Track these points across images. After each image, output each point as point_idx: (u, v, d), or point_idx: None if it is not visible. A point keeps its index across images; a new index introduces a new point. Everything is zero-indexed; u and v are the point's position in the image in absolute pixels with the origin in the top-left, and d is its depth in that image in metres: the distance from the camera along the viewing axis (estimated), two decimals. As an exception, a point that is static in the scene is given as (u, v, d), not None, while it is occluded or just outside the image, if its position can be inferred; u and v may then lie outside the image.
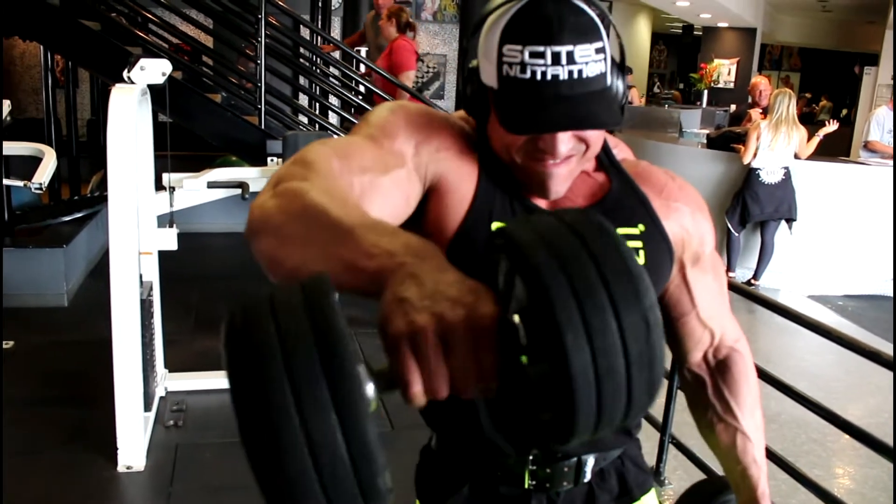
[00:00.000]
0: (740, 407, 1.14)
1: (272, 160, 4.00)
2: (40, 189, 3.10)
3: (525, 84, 0.86)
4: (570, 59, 0.85)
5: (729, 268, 5.91)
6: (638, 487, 1.13)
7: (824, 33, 13.61)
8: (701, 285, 1.11)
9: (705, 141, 6.59)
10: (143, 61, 2.79)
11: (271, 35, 5.15)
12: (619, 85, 0.93)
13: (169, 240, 3.18)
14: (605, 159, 1.06)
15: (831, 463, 3.28)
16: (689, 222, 1.07)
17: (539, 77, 0.86)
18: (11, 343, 3.83)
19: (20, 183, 3.30)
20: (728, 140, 5.94)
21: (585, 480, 1.07)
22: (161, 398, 3.29)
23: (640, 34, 14.58)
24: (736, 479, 1.14)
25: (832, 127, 5.94)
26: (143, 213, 3.07)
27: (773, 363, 4.44)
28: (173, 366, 3.52)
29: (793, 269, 5.89)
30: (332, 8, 11.73)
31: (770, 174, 5.56)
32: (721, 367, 1.16)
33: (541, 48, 0.85)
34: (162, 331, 3.44)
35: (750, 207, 5.63)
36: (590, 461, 1.06)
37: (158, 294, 3.33)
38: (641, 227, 1.02)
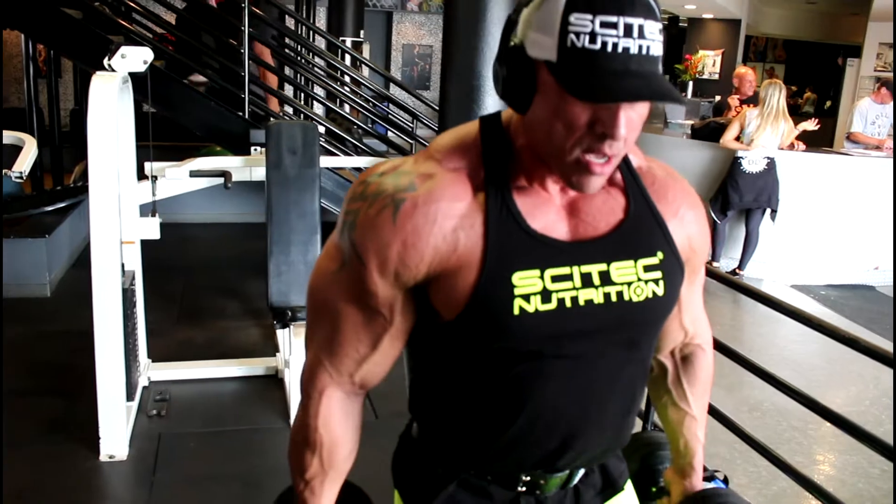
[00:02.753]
0: (694, 396, 1.23)
1: (255, 150, 3.98)
2: (21, 178, 3.07)
3: (595, 54, 0.82)
4: (641, 33, 0.82)
5: (713, 257, 5.95)
6: (620, 477, 1.15)
7: (809, 25, 13.66)
8: (690, 294, 1.15)
9: (690, 132, 6.62)
10: (123, 49, 2.77)
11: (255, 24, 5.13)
12: None
13: (151, 229, 3.16)
14: (626, 170, 1.03)
15: (812, 450, 3.31)
16: (694, 231, 1.07)
17: (610, 48, 0.82)
18: (-8, 333, 3.81)
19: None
20: (713, 131, 5.96)
21: (572, 485, 1.10)
22: (144, 388, 3.28)
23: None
24: (678, 448, 1.25)
25: (813, 125, 5.96)
26: (125, 202, 3.06)
27: (756, 351, 4.49)
28: (156, 356, 3.51)
29: (776, 259, 5.93)
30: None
31: (752, 163, 5.59)
32: (685, 361, 1.23)
33: (614, 18, 0.81)
34: (145, 320, 3.43)
35: (730, 196, 5.67)
36: (580, 472, 1.10)
37: (141, 283, 3.32)
38: (661, 254, 1.01)
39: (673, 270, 1.02)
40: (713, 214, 5.84)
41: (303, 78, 5.65)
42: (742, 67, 6.58)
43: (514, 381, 0.98)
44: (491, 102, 4.05)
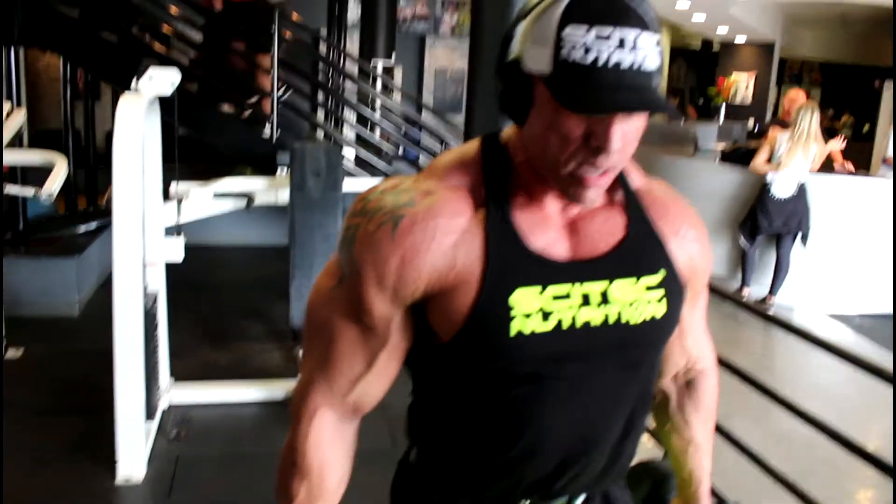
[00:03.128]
0: (698, 423, 1.21)
1: (281, 170, 4.01)
2: (50, 198, 3.11)
3: (588, 67, 0.82)
4: (635, 45, 0.83)
5: (744, 283, 5.85)
6: None
7: (845, 47, 13.48)
8: (693, 317, 1.13)
9: (720, 156, 6.54)
10: (151, 71, 2.81)
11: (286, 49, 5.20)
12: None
13: (176, 250, 3.19)
14: (624, 188, 1.02)
15: (842, 484, 3.21)
16: (696, 251, 1.05)
17: (602, 62, 0.82)
18: (21, 351, 3.86)
19: (29, 192, 3.33)
20: (742, 155, 5.89)
21: None
22: (165, 409, 3.29)
23: (659, 49, 14.54)
24: (683, 477, 1.23)
25: (840, 144, 5.86)
26: (150, 223, 3.09)
27: (786, 381, 4.40)
28: (180, 376, 3.52)
29: (810, 286, 5.81)
30: (349, 24, 11.83)
31: (782, 188, 5.50)
32: (688, 387, 1.21)
33: (608, 29, 0.82)
34: (169, 341, 3.45)
35: (759, 221, 5.58)
36: (580, 498, 1.06)
37: (165, 304, 3.34)
38: (662, 272, 1.00)
39: (674, 290, 1.00)
40: (742, 239, 5.75)
41: (333, 101, 5.71)
42: (793, 90, 6.43)
43: (512, 404, 0.96)
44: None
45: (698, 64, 16.33)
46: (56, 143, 5.75)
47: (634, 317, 0.96)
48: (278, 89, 4.63)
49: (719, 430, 2.55)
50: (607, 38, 0.82)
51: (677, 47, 15.66)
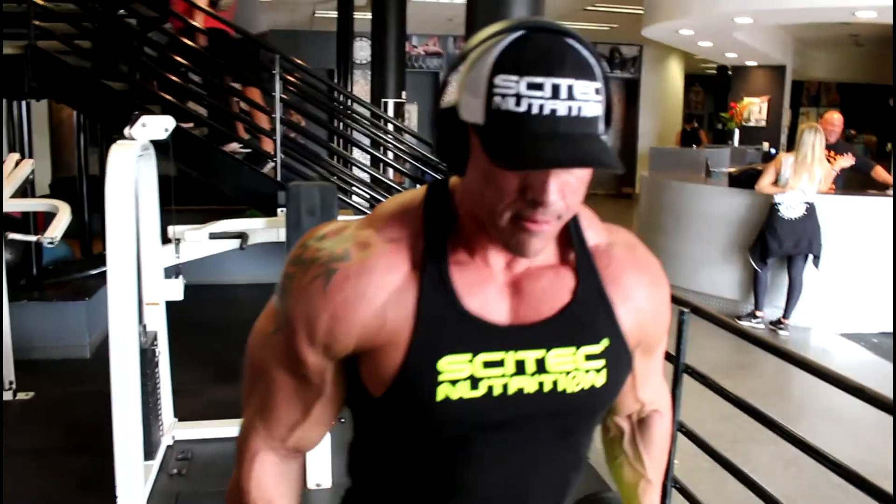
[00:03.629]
0: (650, 459, 1.19)
1: (281, 211, 4.08)
2: (52, 243, 3.21)
3: (519, 118, 0.79)
4: (570, 94, 0.79)
5: (757, 307, 5.79)
6: None
7: (860, 67, 13.41)
8: (646, 370, 1.10)
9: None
10: (144, 118, 2.90)
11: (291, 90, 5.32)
12: (607, 138, 0.87)
13: (175, 290, 3.26)
14: (577, 244, 0.98)
15: (850, 508, 3.14)
16: (647, 315, 1.01)
17: (536, 111, 0.78)
18: (32, 394, 3.94)
19: (32, 238, 3.43)
20: (750, 178, 5.87)
21: None
22: (168, 447, 3.34)
23: (673, 76, 14.59)
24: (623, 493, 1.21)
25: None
26: (149, 265, 3.17)
27: (798, 404, 4.33)
28: (186, 414, 3.57)
29: (825, 306, 5.74)
30: (358, 63, 12.04)
31: (790, 209, 5.47)
32: (641, 424, 1.20)
33: (540, 79, 0.78)
34: (174, 380, 3.50)
35: (769, 243, 5.55)
36: None
37: (167, 343, 3.40)
38: (606, 341, 0.96)
39: (618, 359, 0.97)
40: (753, 263, 5.71)
41: (341, 143, 5.80)
42: (829, 113, 6.39)
43: (441, 464, 0.95)
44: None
45: (715, 89, 16.34)
46: (74, 190, 5.94)
47: (571, 386, 0.93)
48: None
49: (718, 456, 2.54)
50: (539, 87, 0.79)
51: (693, 73, 15.72)
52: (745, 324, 5.76)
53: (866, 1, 6.52)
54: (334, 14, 9.36)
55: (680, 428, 2.63)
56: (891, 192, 6.02)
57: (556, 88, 0.78)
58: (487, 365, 0.90)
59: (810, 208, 5.47)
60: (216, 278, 5.52)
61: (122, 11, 4.90)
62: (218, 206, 5.82)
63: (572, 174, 0.84)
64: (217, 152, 4.72)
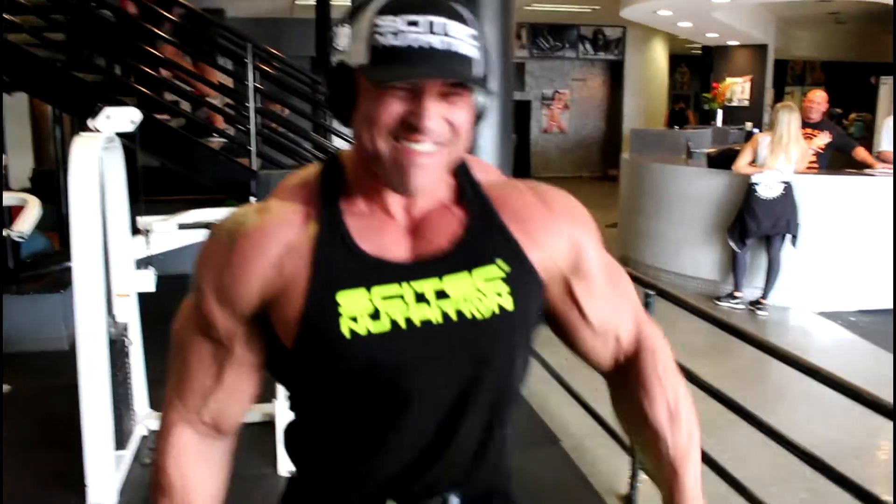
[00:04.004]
0: (652, 404, 1.10)
1: (253, 199, 4.09)
2: (22, 237, 3.21)
3: (399, 50, 0.88)
4: (445, 31, 0.88)
5: (736, 287, 5.83)
6: None
7: (843, 46, 13.43)
8: (590, 298, 1.08)
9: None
10: (108, 110, 2.90)
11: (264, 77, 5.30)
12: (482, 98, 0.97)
13: (146, 282, 3.26)
14: (467, 185, 1.04)
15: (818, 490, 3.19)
16: (558, 240, 1.04)
17: (414, 44, 0.87)
18: (9, 388, 3.95)
19: (2, 231, 3.43)
20: (728, 158, 5.89)
21: None
22: (143, 436, 3.35)
23: (658, 57, 14.56)
24: (656, 476, 1.14)
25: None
26: (118, 257, 3.17)
27: (778, 387, 4.35)
28: (161, 404, 3.57)
29: (803, 285, 5.78)
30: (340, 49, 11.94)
31: (768, 189, 5.50)
32: (631, 366, 1.14)
33: (416, 17, 0.88)
34: (148, 370, 3.51)
35: (747, 224, 5.58)
36: (454, 499, 1.05)
37: (139, 334, 3.41)
38: (504, 264, 0.99)
39: (524, 284, 1.00)
40: (732, 244, 5.74)
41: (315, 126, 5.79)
42: (813, 92, 6.40)
43: (363, 406, 0.98)
44: (486, 144, 4.10)
45: (701, 69, 16.32)
46: (47, 183, 5.92)
47: (477, 312, 0.96)
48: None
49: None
50: (416, 24, 0.88)
51: (679, 54, 15.69)
52: (724, 304, 5.81)
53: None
54: (314, 1, 9.29)
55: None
56: (869, 171, 6.04)
57: (431, 24, 0.88)
58: (385, 298, 0.95)
59: (788, 188, 5.49)
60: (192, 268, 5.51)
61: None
62: (199, 195, 5.81)
63: (454, 109, 0.91)
64: (193, 143, 4.72)
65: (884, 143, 6.56)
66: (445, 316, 0.96)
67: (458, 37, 0.89)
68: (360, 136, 0.95)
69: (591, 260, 1.07)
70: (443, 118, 0.91)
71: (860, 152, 6.22)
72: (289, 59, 5.57)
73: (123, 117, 2.97)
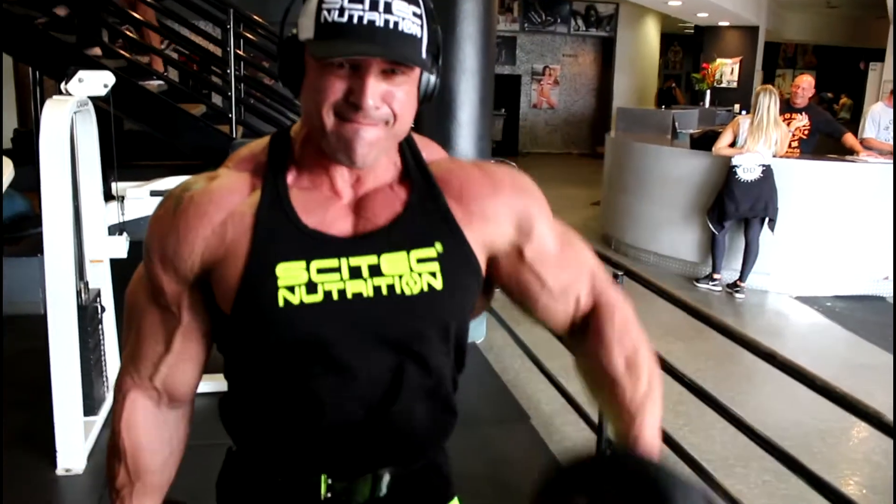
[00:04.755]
0: (609, 354, 1.09)
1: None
2: (-7, 199, 3.18)
3: (342, 26, 0.90)
4: (388, 9, 0.90)
5: (714, 270, 5.86)
6: (439, 498, 1.14)
7: (834, 30, 13.41)
8: (545, 264, 1.09)
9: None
10: (81, 73, 2.86)
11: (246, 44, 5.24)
12: (432, 77, 0.99)
13: (119, 248, 3.25)
14: (412, 163, 1.05)
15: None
16: (504, 214, 1.05)
17: (356, 21, 0.89)
18: (-18, 350, 3.94)
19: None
20: (711, 140, 5.89)
21: (382, 494, 1.07)
22: (114, 403, 3.36)
23: (650, 35, 14.49)
24: (617, 430, 1.09)
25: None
26: (91, 222, 3.15)
27: (752, 368, 4.38)
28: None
29: (780, 269, 5.83)
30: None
31: (747, 171, 5.51)
32: (590, 323, 1.13)
33: None
34: (120, 336, 3.50)
35: (726, 205, 5.59)
36: (386, 475, 1.07)
37: (112, 300, 3.40)
38: (439, 246, 1.01)
39: (457, 263, 1.02)
40: (711, 225, 5.76)
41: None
42: (801, 77, 6.38)
43: (294, 378, 1.00)
44: (465, 118, 4.09)
45: (694, 49, 16.28)
46: (28, 144, 5.86)
47: (408, 289, 0.98)
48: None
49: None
50: (360, 1, 0.89)
51: (671, 32, 15.62)
52: (702, 286, 5.85)
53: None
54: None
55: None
56: (852, 157, 6.06)
57: (374, 2, 0.89)
58: (321, 271, 0.97)
59: (767, 171, 5.50)
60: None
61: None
62: (182, 161, 5.76)
63: (396, 86, 0.93)
64: (173, 109, 4.68)
65: (867, 131, 6.58)
66: (377, 290, 0.98)
67: (402, 14, 0.90)
68: (306, 109, 0.97)
69: (542, 228, 1.09)
70: (383, 98, 0.92)
71: (849, 138, 6.22)
72: (276, 24, 5.49)
73: (96, 81, 2.94)
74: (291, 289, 0.95)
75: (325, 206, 1.00)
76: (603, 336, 1.11)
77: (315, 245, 0.98)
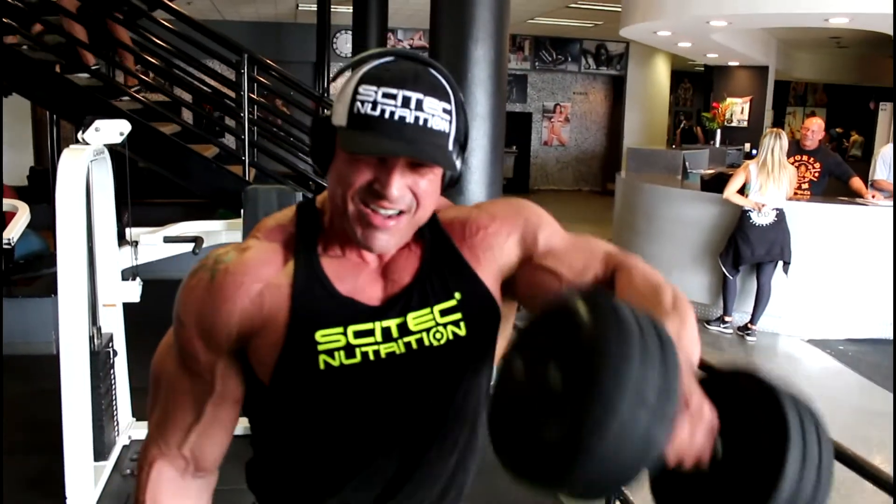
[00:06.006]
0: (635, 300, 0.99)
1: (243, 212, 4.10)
2: (9, 244, 3.23)
3: (373, 119, 0.93)
4: (419, 106, 0.93)
5: (726, 312, 5.84)
6: None
7: (844, 69, 13.46)
8: (556, 257, 1.09)
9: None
10: (98, 122, 2.92)
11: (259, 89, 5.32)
12: (458, 162, 1.00)
13: (132, 292, 3.28)
14: (428, 228, 1.09)
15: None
16: (507, 239, 1.09)
17: (387, 116, 0.93)
18: (-6, 391, 3.96)
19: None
20: (722, 182, 5.90)
21: None
22: (125, 446, 3.37)
23: (660, 73, 14.60)
24: None
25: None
26: (105, 267, 3.19)
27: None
28: (144, 414, 3.58)
29: (792, 312, 5.80)
30: (342, 56, 12.02)
31: (762, 216, 5.50)
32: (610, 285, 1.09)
33: (394, 90, 0.93)
34: (133, 379, 3.52)
35: (741, 250, 5.57)
36: None
37: (124, 344, 3.43)
38: (458, 294, 1.05)
39: (477, 309, 1.06)
40: (724, 269, 5.73)
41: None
42: (810, 119, 6.37)
43: (334, 437, 1.04)
44: (476, 162, 4.12)
45: (704, 86, 16.37)
46: (44, 185, 5.94)
47: (435, 341, 1.03)
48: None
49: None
50: (393, 97, 0.93)
51: (682, 70, 15.73)
52: (713, 328, 5.83)
53: (838, 7, 6.54)
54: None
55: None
56: (861, 200, 6.05)
57: (406, 99, 0.93)
58: (358, 335, 1.01)
59: (780, 214, 5.50)
60: (180, 273, 5.52)
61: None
62: (193, 199, 5.81)
63: (422, 178, 0.97)
64: (187, 151, 4.73)
65: (878, 172, 6.58)
66: (407, 346, 1.03)
67: (432, 111, 0.94)
68: (332, 191, 1.01)
69: (545, 231, 1.12)
70: (408, 187, 0.97)
71: (855, 182, 6.20)
72: (291, 63, 5.58)
73: (112, 129, 3.00)
74: (331, 353, 1.00)
75: (355, 274, 1.04)
76: (625, 287, 1.03)
77: (350, 312, 1.02)
